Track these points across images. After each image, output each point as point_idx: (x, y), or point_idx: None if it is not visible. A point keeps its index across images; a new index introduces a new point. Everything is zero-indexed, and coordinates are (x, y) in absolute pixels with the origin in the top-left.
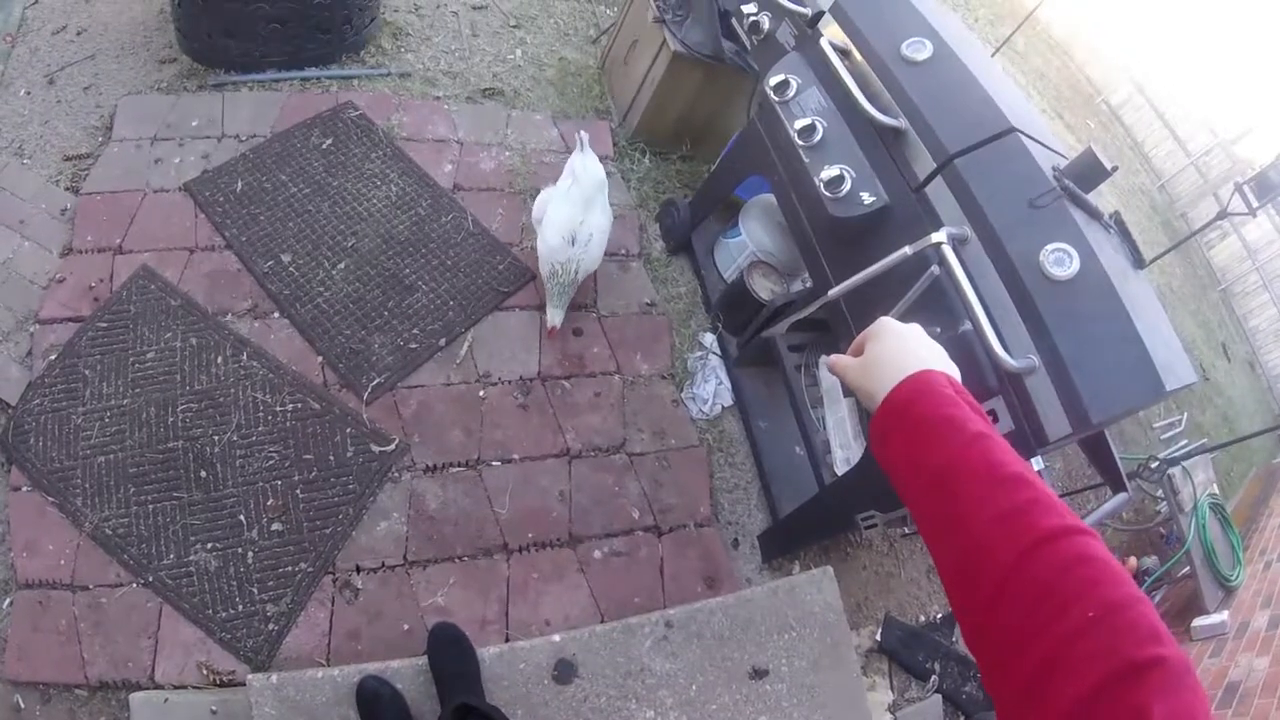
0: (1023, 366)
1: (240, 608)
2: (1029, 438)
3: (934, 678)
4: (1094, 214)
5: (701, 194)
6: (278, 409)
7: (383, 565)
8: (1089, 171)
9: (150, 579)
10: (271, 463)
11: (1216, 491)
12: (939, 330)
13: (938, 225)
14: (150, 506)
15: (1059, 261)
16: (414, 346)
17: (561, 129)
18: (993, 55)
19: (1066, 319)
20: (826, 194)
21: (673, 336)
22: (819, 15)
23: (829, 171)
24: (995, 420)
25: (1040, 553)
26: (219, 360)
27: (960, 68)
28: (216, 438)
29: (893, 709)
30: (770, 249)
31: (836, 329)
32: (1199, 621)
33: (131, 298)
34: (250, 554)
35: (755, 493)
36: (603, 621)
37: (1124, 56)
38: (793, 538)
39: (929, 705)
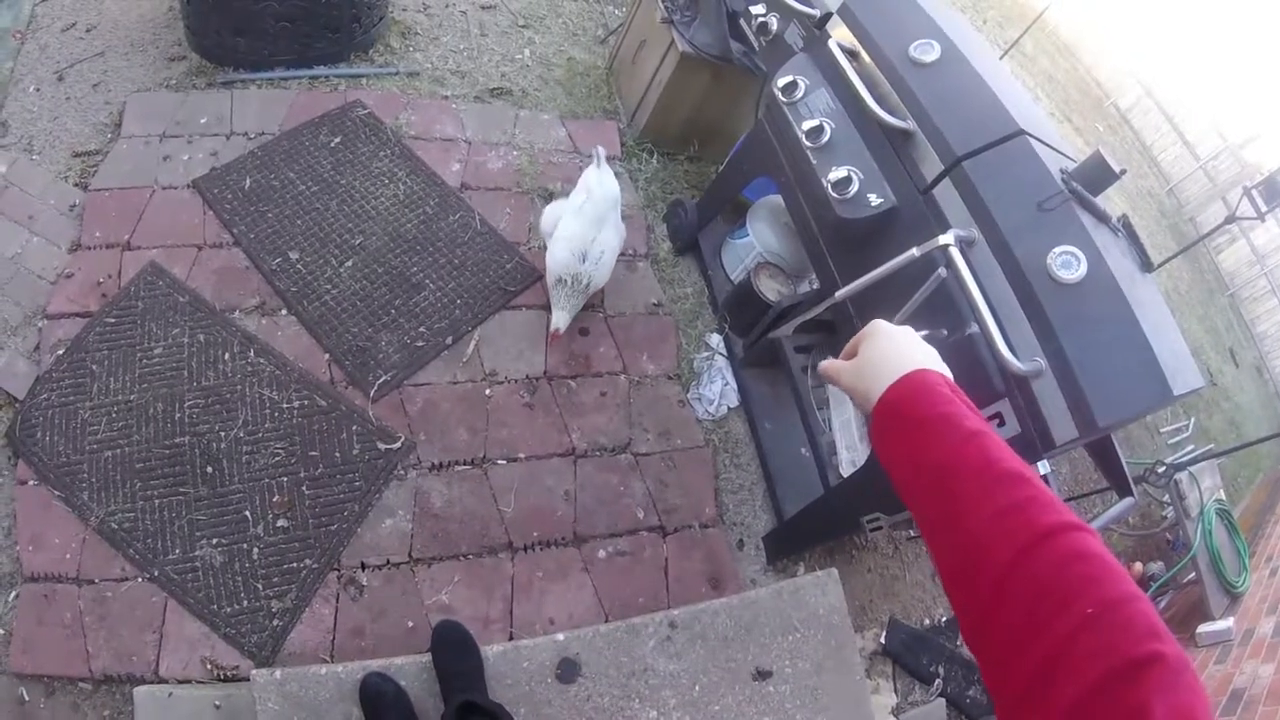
0: (1029, 370)
1: (245, 603)
2: (1035, 441)
3: (938, 681)
4: (1102, 217)
5: (709, 195)
6: (284, 406)
7: (387, 563)
8: (1097, 174)
9: (155, 574)
10: (278, 459)
11: (1223, 497)
12: (946, 333)
13: (945, 227)
14: (156, 501)
15: (1066, 264)
16: (421, 344)
17: (569, 129)
18: (1001, 57)
19: (1073, 322)
20: (834, 195)
21: (679, 337)
22: (827, 16)
23: (837, 173)
24: (1001, 424)
25: (1039, 550)
26: (226, 357)
27: (968, 70)
28: (223, 434)
29: (896, 712)
30: (777, 250)
31: (843, 331)
32: (1204, 628)
33: (139, 294)
34: (255, 550)
35: (760, 494)
36: (607, 621)
37: (1132, 59)
38: (797, 539)
39: (933, 709)
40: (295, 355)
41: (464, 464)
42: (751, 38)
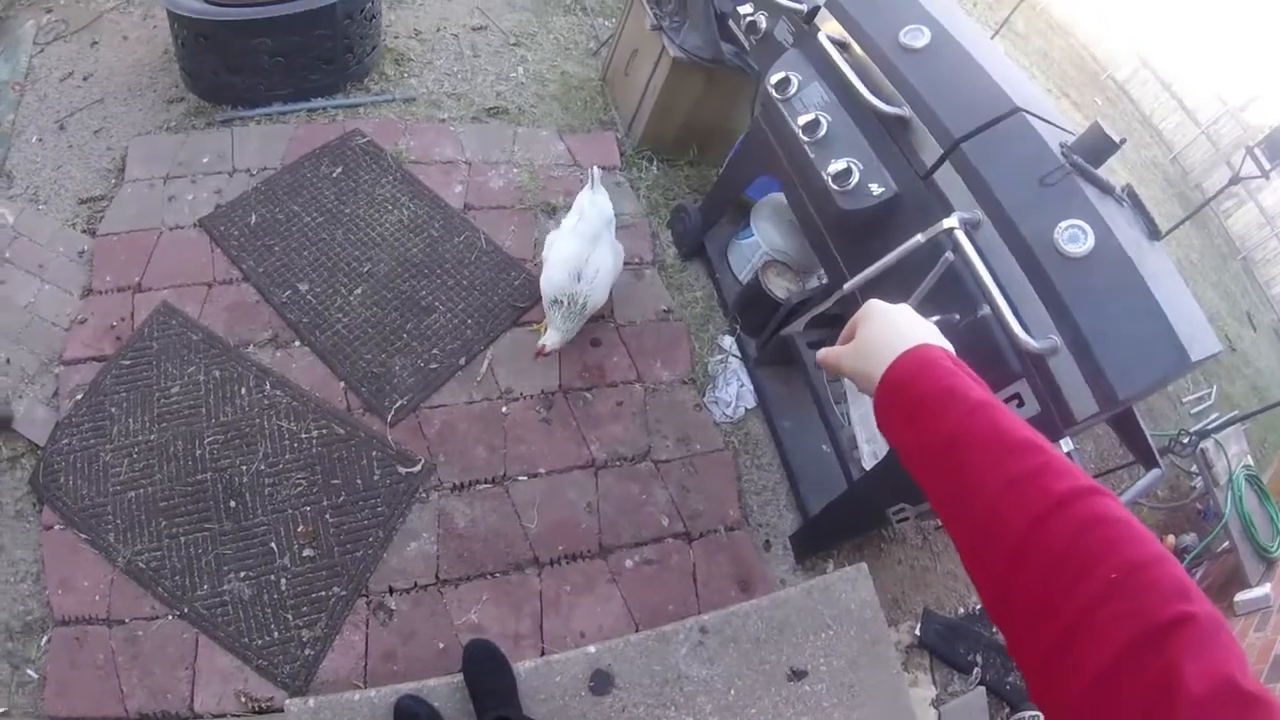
0: (1045, 347)
1: (276, 634)
2: (1056, 420)
3: (976, 670)
4: (1106, 188)
5: (711, 197)
6: (303, 436)
7: (415, 585)
8: (1097, 146)
9: (185, 610)
10: (300, 489)
11: (1251, 463)
12: (958, 317)
13: (949, 211)
14: (182, 539)
15: (1074, 238)
16: (434, 367)
17: (568, 142)
18: (992, 38)
19: (1085, 296)
20: (835, 188)
21: (691, 341)
22: (815, 10)
23: (836, 165)
24: (1021, 404)
25: (1055, 518)
26: (243, 391)
27: (960, 52)
28: (244, 468)
29: (936, 704)
30: (783, 247)
31: None
32: (1241, 596)
33: (153, 334)
34: (283, 580)
35: (784, 493)
36: (637, 631)
37: (1127, 31)
38: (824, 536)
39: (973, 698)
40: (311, 385)
41: (485, 483)
42: (741, 38)
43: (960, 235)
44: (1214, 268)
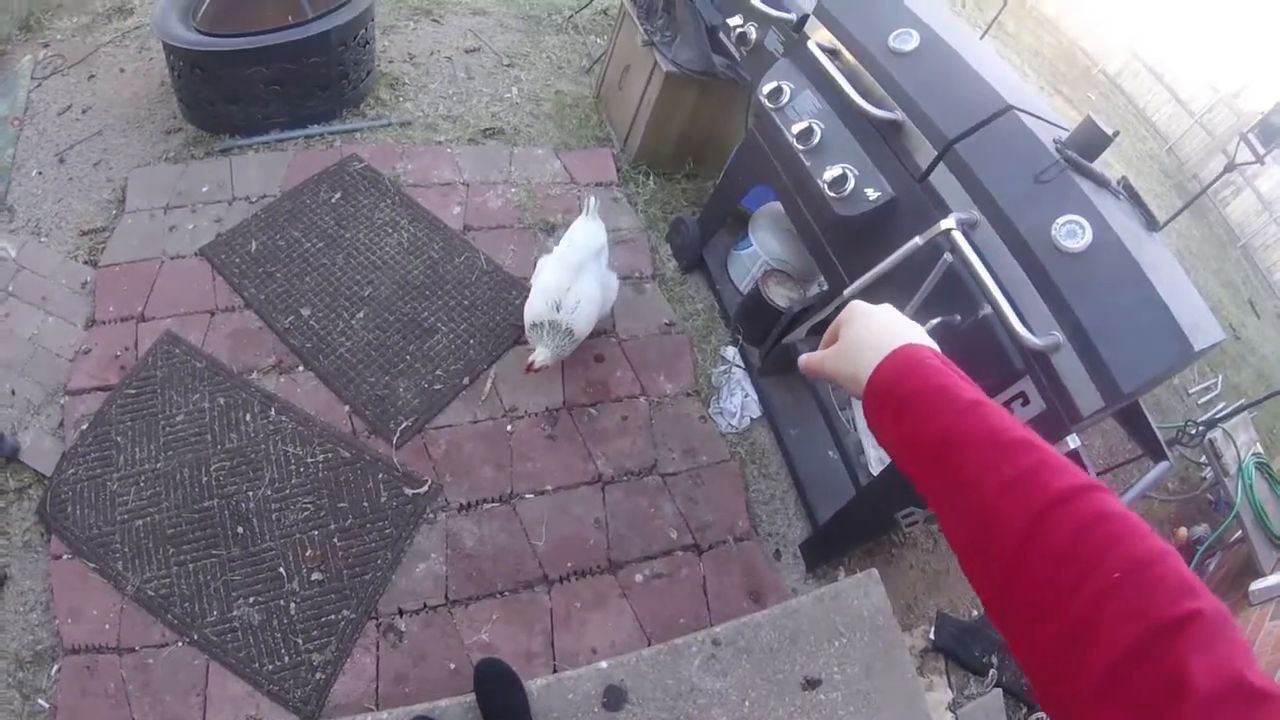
0: (1047, 344)
1: (286, 659)
2: (1062, 416)
3: (992, 671)
4: (1101, 182)
5: (709, 209)
6: (309, 460)
7: (425, 606)
8: (1091, 140)
9: (195, 637)
10: (307, 514)
11: (1261, 451)
12: (959, 318)
13: (946, 212)
14: (190, 565)
15: (1071, 234)
16: (438, 387)
17: (564, 160)
18: (981, 37)
19: (1086, 290)
20: (831, 194)
21: (694, 353)
22: (804, 19)
23: (831, 172)
24: (1026, 402)
25: (1054, 516)
26: (248, 418)
27: (950, 53)
28: (251, 493)
29: (953, 707)
30: (782, 256)
31: None
32: (1256, 585)
33: (157, 363)
34: (292, 605)
35: (792, 502)
36: (649, 645)
37: (1116, 24)
38: (835, 544)
39: (990, 700)
40: (316, 410)
41: (492, 501)
42: (732, 49)
43: (958, 236)
44: (1214, 256)
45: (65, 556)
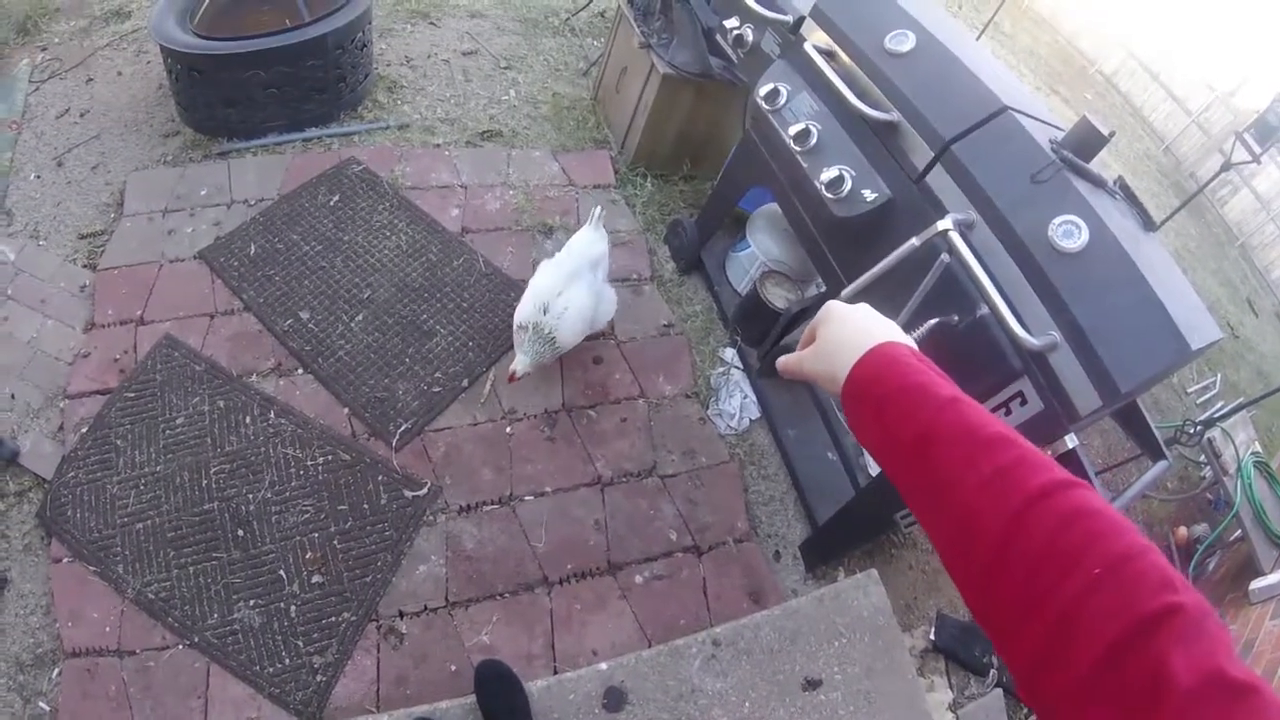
0: (1044, 344)
1: (287, 661)
2: (1060, 416)
3: (993, 671)
4: (1098, 182)
5: (706, 211)
6: (309, 463)
7: (425, 608)
8: (1087, 140)
9: (196, 639)
10: (307, 516)
11: (1260, 449)
12: (956, 318)
13: (942, 213)
14: (191, 568)
15: (1068, 234)
16: (437, 390)
17: (562, 162)
18: (978, 38)
19: (1083, 290)
20: (828, 195)
21: (693, 355)
22: (800, 21)
23: (828, 173)
24: (1024, 402)
25: (1033, 513)
26: (247, 420)
27: (946, 54)
28: (251, 496)
29: (954, 708)
30: (780, 257)
31: None
32: (1257, 584)
33: (157, 366)
34: (293, 608)
35: (792, 503)
36: (649, 646)
37: (1112, 23)
38: (834, 544)
39: (990, 700)
40: (315, 413)
41: (492, 503)
42: (729, 51)
43: (955, 237)
44: (1212, 255)
45: (66, 560)
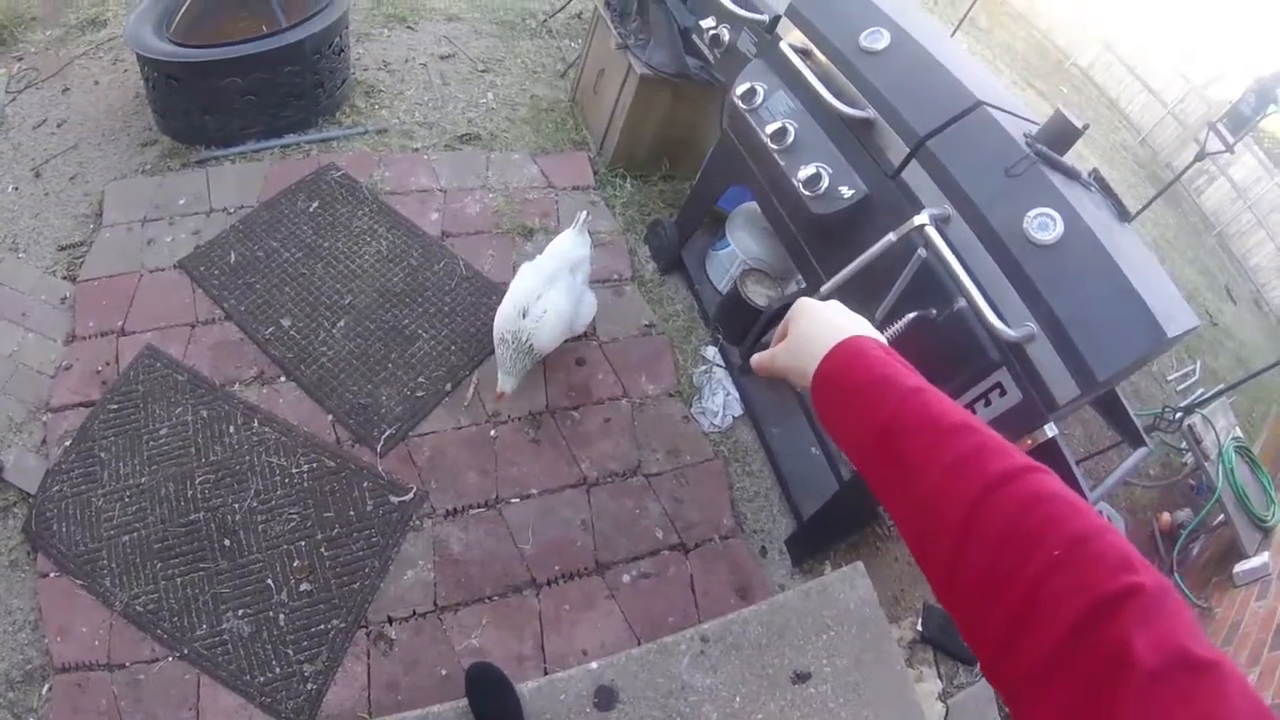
0: (1021, 335)
1: (278, 670)
2: (1039, 406)
3: None
4: (1072, 174)
5: (686, 210)
6: (294, 471)
7: (414, 614)
8: (1061, 133)
9: (185, 651)
10: (293, 524)
11: (1240, 435)
12: (934, 311)
13: (919, 208)
14: (178, 580)
15: (1043, 226)
16: (421, 394)
17: (541, 165)
18: (952, 34)
19: (1058, 282)
20: (806, 193)
21: (675, 354)
22: (776, 20)
23: (805, 171)
24: (1003, 393)
25: (994, 498)
26: (231, 430)
27: (920, 51)
28: (237, 505)
29: (943, 697)
30: (759, 255)
31: None
32: (1240, 567)
33: (139, 378)
34: (282, 616)
35: (777, 498)
36: (639, 644)
37: (1089, 17)
38: (820, 538)
39: (980, 689)
40: (299, 420)
41: (478, 507)
42: (706, 51)
43: (931, 231)
44: (1190, 245)
45: (52, 574)
